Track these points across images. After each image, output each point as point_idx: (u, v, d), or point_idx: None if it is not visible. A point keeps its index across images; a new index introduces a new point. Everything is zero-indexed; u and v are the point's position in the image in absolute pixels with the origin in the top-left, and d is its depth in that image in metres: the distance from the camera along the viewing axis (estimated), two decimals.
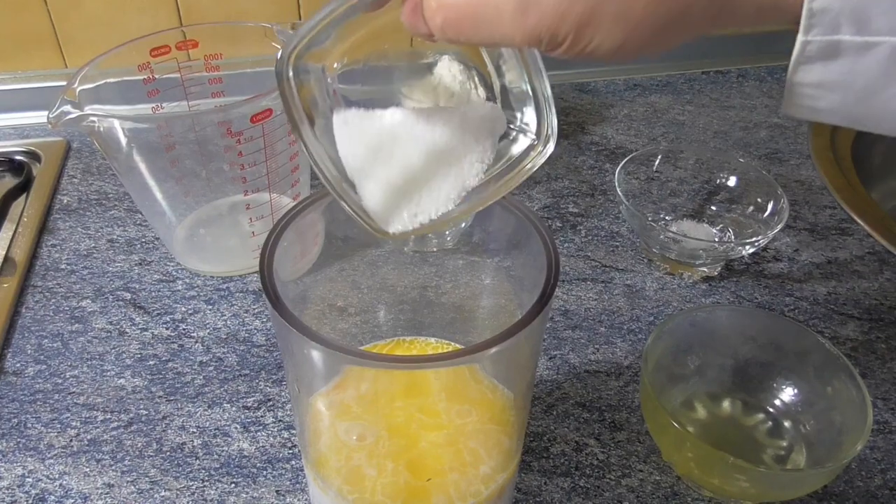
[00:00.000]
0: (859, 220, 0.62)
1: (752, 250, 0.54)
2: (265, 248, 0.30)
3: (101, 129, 0.46)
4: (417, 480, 0.32)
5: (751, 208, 0.58)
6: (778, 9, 0.22)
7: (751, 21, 0.23)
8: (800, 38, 0.22)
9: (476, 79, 0.75)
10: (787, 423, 0.44)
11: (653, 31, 0.23)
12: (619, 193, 0.56)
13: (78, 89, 0.48)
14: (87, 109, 0.47)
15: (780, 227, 0.53)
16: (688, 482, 0.42)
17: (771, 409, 0.45)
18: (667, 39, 0.23)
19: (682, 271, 0.57)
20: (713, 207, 0.61)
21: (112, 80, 0.52)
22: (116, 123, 0.46)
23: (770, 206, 0.57)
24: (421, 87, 0.74)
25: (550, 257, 0.30)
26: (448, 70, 0.73)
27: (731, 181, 0.60)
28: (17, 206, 0.63)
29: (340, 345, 0.27)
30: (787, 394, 0.44)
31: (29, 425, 0.45)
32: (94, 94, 0.50)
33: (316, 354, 0.29)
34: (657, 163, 0.61)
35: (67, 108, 0.45)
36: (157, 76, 0.53)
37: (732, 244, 0.54)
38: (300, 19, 0.77)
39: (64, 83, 0.47)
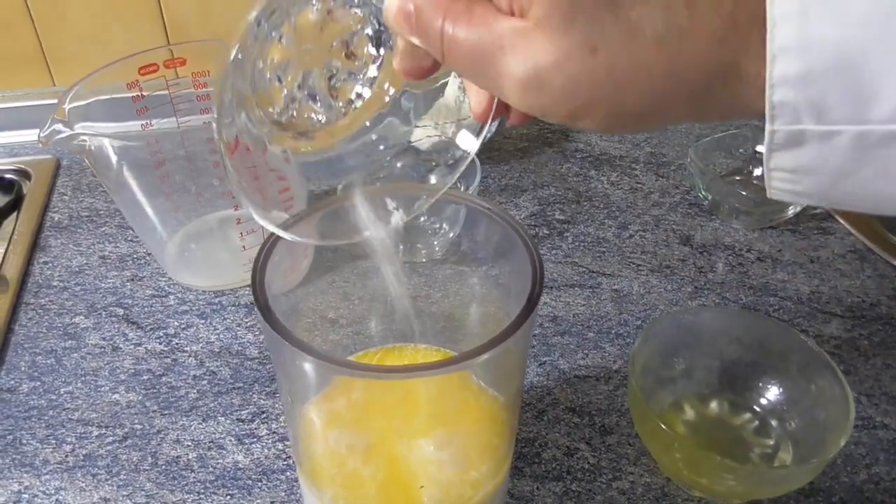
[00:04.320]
0: (840, 219, 0.63)
1: None
2: (257, 263, 0.30)
3: (92, 147, 0.46)
4: (411, 487, 0.33)
5: None
6: (746, 107, 0.24)
7: (723, 118, 0.26)
8: (767, 127, 0.24)
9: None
10: (773, 422, 0.45)
11: (636, 124, 0.26)
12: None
13: (68, 108, 0.48)
14: (78, 127, 0.47)
15: None
16: (677, 483, 0.43)
17: (757, 409, 0.45)
18: (646, 129, 0.27)
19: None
20: None
21: (101, 97, 0.52)
22: (106, 142, 0.47)
23: None
24: (431, 112, 0.73)
25: (535, 265, 0.31)
26: (452, 88, 0.73)
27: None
28: (8, 225, 0.63)
29: (332, 357, 0.28)
30: (773, 392, 0.45)
31: (24, 442, 0.46)
32: (84, 112, 0.50)
33: (307, 366, 0.30)
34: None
35: (58, 126, 0.46)
36: (145, 94, 0.54)
37: None
38: None
39: (52, 101, 0.48)
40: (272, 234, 0.32)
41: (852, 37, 0.21)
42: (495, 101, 0.29)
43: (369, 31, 0.30)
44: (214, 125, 0.29)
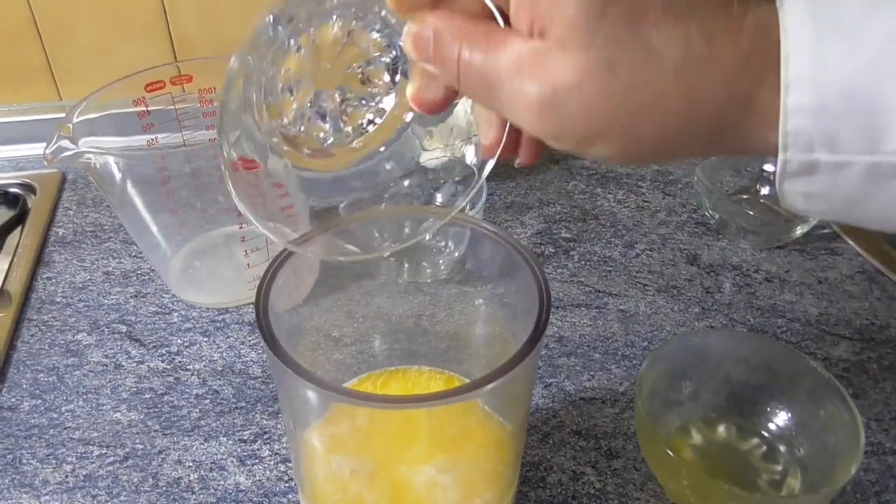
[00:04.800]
0: (849, 240, 0.63)
1: None
2: (261, 287, 0.30)
3: (97, 164, 0.46)
4: None
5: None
6: (759, 139, 0.24)
7: (734, 151, 0.26)
8: (780, 156, 0.24)
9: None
10: (781, 447, 0.44)
11: (649, 153, 0.26)
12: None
13: (73, 124, 0.48)
14: (83, 143, 0.47)
15: None
16: None
17: (765, 433, 0.45)
18: (660, 160, 0.28)
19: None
20: None
21: (107, 112, 0.52)
22: (111, 160, 0.46)
23: None
24: (439, 131, 0.73)
25: (542, 292, 0.30)
26: (463, 107, 0.73)
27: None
28: (12, 239, 0.63)
29: (336, 386, 0.27)
30: (781, 417, 0.45)
31: (24, 461, 0.45)
32: (90, 128, 0.50)
33: (311, 394, 0.29)
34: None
35: (64, 143, 0.45)
36: (151, 109, 0.54)
37: None
38: None
39: (58, 115, 0.48)
40: (276, 257, 0.32)
41: (864, 71, 0.22)
42: (504, 135, 0.29)
43: (387, 59, 0.30)
44: (218, 137, 0.29)
